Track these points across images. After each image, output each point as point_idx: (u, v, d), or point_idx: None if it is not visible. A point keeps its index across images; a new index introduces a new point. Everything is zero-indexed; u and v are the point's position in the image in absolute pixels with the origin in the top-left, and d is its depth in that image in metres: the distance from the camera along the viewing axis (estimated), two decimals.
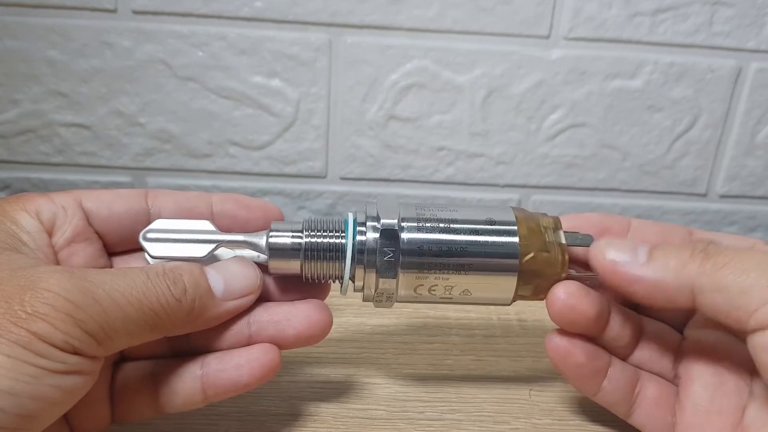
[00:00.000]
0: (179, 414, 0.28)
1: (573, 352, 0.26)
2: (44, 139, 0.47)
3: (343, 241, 0.26)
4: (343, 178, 0.49)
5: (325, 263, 0.27)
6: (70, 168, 0.48)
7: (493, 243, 0.26)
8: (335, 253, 0.26)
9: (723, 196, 0.51)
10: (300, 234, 0.27)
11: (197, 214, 0.28)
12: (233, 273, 0.26)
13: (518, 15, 0.45)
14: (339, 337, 0.35)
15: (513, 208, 0.28)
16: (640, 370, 0.28)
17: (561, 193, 0.50)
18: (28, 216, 0.25)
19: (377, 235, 0.26)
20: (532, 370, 0.33)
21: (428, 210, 0.27)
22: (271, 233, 0.27)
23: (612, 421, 0.28)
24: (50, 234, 0.25)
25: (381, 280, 0.26)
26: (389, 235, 0.26)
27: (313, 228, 0.27)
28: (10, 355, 0.19)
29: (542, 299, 0.27)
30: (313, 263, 0.27)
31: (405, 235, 0.26)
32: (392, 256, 0.26)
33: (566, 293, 0.26)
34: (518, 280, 0.26)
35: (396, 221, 0.26)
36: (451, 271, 0.26)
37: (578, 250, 0.27)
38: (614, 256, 0.24)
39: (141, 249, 0.27)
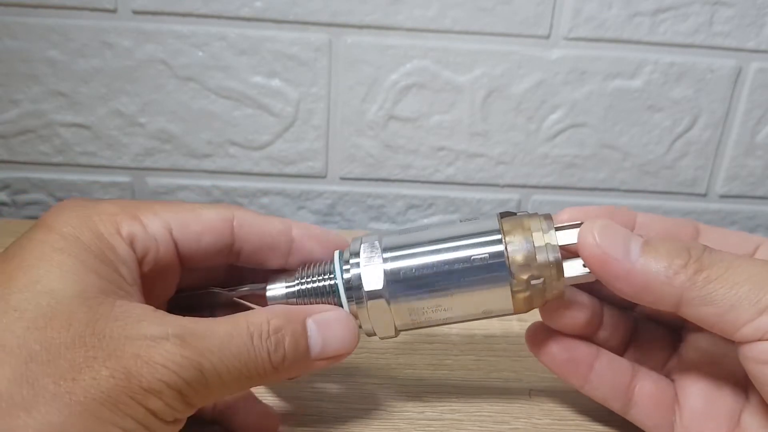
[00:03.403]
0: None
1: (546, 341, 0.27)
2: (44, 139, 0.47)
3: (332, 282, 0.26)
4: (343, 178, 0.49)
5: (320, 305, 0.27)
6: (70, 168, 0.48)
7: (479, 258, 0.25)
8: (326, 296, 0.26)
9: (723, 196, 0.51)
10: (293, 283, 0.27)
11: (278, 251, 0.28)
12: (333, 334, 0.25)
13: (518, 15, 0.45)
14: None
15: (503, 217, 0.26)
16: (638, 367, 0.27)
17: (561, 193, 0.50)
18: (124, 244, 0.24)
19: (360, 270, 0.26)
20: (532, 370, 0.33)
21: (411, 234, 0.26)
22: (267, 286, 0.27)
23: (612, 421, 0.28)
24: (140, 263, 0.25)
25: (371, 313, 0.26)
26: (370, 267, 0.25)
27: (305, 275, 0.27)
28: (125, 429, 0.20)
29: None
30: None
31: (388, 266, 0.25)
32: (375, 288, 0.25)
33: (558, 300, 0.26)
34: (513, 291, 0.25)
35: (378, 253, 0.26)
36: (442, 294, 0.25)
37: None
38: (605, 247, 0.23)
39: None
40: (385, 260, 0.26)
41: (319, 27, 0.45)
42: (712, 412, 0.25)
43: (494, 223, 0.25)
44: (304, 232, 0.28)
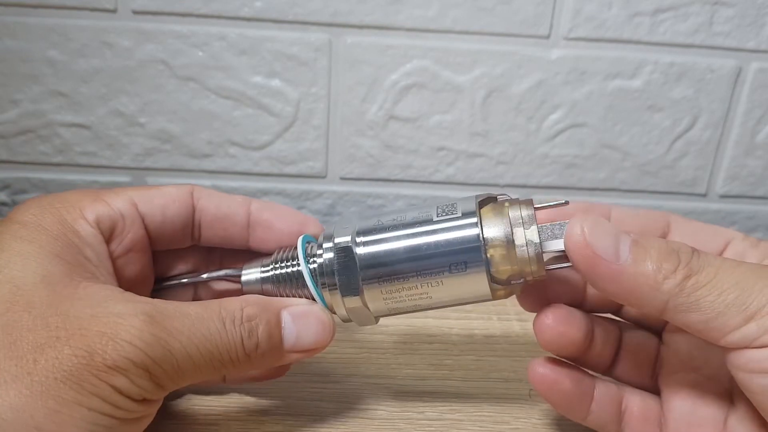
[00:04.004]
0: (178, 413, 0.28)
1: (559, 380, 0.26)
2: (44, 139, 0.47)
3: (298, 268, 0.26)
4: (343, 178, 0.49)
5: (292, 292, 0.27)
6: (70, 168, 0.48)
7: (453, 240, 0.24)
8: (297, 281, 0.26)
9: (723, 196, 0.51)
10: (268, 268, 0.27)
11: (234, 220, 0.28)
12: (308, 326, 0.25)
13: (518, 15, 0.45)
14: (339, 337, 0.35)
15: (482, 205, 0.25)
16: (623, 387, 0.27)
17: (561, 193, 0.50)
18: (87, 226, 0.24)
19: (332, 255, 0.25)
20: None
21: (387, 218, 0.25)
22: (243, 270, 0.27)
23: None
24: (108, 242, 0.25)
25: (345, 299, 0.25)
26: (342, 252, 0.25)
27: (278, 259, 0.27)
28: (91, 408, 0.20)
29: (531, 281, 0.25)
30: (283, 294, 0.27)
31: (360, 250, 0.25)
32: (348, 274, 0.25)
33: (555, 320, 0.25)
34: (489, 274, 0.24)
35: (350, 237, 0.25)
36: (416, 276, 0.24)
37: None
38: (595, 247, 0.22)
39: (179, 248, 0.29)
40: (358, 244, 0.25)
41: (319, 27, 0.45)
42: (698, 421, 0.25)
43: (472, 207, 0.24)
44: (262, 206, 0.28)
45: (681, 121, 0.48)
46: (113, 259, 0.25)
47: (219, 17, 0.44)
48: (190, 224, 0.28)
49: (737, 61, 0.46)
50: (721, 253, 0.26)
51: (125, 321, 0.21)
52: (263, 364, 0.24)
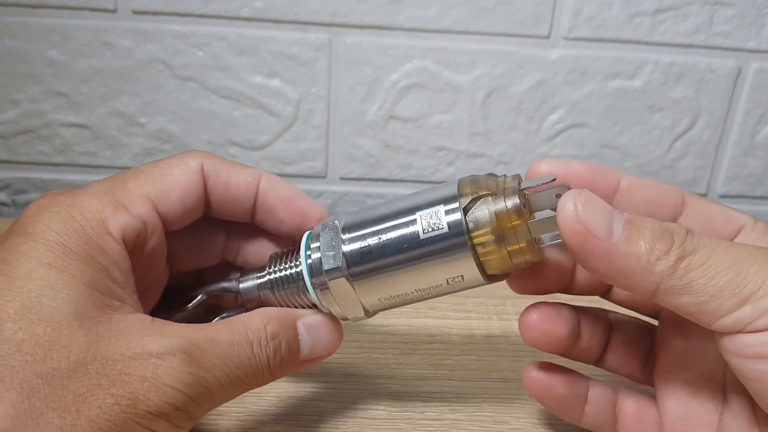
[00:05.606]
0: None
1: (553, 384, 0.26)
2: (44, 139, 0.47)
3: (297, 270, 0.26)
4: (343, 178, 0.49)
5: (291, 296, 0.26)
6: (70, 168, 0.48)
7: (437, 226, 0.23)
8: (294, 284, 0.26)
9: (723, 196, 0.51)
10: (263, 273, 0.27)
11: (241, 202, 0.27)
12: (321, 337, 0.25)
13: (518, 15, 0.45)
14: None
15: (463, 183, 0.24)
16: (618, 388, 0.27)
17: None
18: (113, 242, 0.23)
19: (319, 255, 0.25)
20: None
21: (373, 210, 0.25)
22: (240, 279, 0.27)
23: None
24: (131, 255, 0.24)
25: (337, 297, 0.25)
26: (329, 252, 0.25)
27: (273, 265, 0.27)
28: None
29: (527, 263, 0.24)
30: (282, 299, 0.27)
31: (347, 247, 0.24)
32: (337, 272, 0.24)
33: (540, 318, 0.25)
34: (476, 259, 0.23)
35: (337, 238, 0.25)
36: (404, 267, 0.24)
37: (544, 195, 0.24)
38: (588, 224, 0.21)
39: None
40: (344, 241, 0.25)
41: (319, 27, 0.45)
42: (693, 420, 0.25)
43: (458, 217, 0.23)
44: (270, 188, 0.27)
45: (681, 121, 0.48)
46: (133, 269, 0.24)
47: (219, 17, 0.44)
48: (203, 206, 0.27)
49: (737, 61, 0.46)
50: (732, 240, 0.25)
51: (165, 362, 0.21)
52: (280, 376, 0.25)
